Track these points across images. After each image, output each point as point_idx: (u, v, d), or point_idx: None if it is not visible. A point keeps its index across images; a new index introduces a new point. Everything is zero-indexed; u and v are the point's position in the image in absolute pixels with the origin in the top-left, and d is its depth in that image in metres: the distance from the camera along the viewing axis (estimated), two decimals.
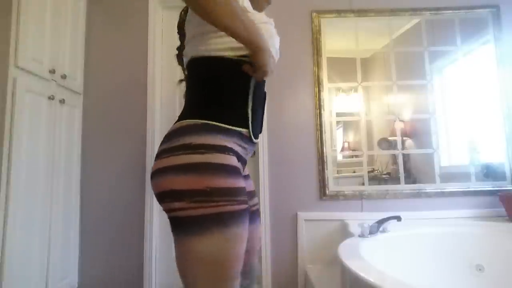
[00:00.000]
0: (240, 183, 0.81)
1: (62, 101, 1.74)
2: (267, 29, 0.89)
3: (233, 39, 0.79)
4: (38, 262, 1.57)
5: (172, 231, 0.78)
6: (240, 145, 0.86)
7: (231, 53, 0.84)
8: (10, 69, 1.42)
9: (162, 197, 0.78)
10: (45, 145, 1.63)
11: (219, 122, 0.82)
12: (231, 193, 0.77)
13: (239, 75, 0.85)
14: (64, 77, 1.75)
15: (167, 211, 0.78)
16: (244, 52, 0.83)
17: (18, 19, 1.45)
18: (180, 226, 0.76)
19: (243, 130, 0.85)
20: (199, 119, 0.82)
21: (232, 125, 0.83)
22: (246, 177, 1.00)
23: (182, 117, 0.85)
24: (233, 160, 0.82)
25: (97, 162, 1.98)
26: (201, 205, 0.74)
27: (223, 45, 0.84)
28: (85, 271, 1.90)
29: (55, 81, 1.70)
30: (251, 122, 0.86)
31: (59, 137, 1.74)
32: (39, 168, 1.58)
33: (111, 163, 1.98)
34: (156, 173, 0.79)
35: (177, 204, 0.76)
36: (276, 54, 0.93)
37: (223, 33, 0.80)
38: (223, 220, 0.75)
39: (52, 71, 1.66)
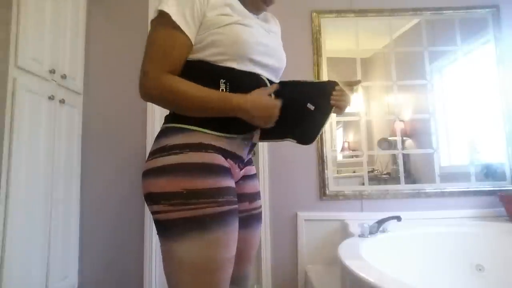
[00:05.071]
0: (224, 182, 0.76)
1: (62, 101, 1.74)
2: (251, 32, 0.81)
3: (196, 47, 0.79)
4: (38, 262, 1.56)
5: (157, 234, 0.77)
6: (222, 143, 0.80)
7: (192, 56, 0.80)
8: (10, 69, 1.42)
9: (145, 199, 0.79)
10: (45, 145, 1.62)
11: (183, 124, 0.78)
12: (212, 194, 0.73)
13: (200, 76, 0.79)
14: (64, 77, 1.75)
15: (151, 213, 0.78)
16: (197, 55, 0.80)
17: (18, 19, 1.45)
18: (161, 229, 0.75)
19: (214, 133, 0.78)
20: (167, 123, 0.82)
21: (197, 127, 0.78)
22: (252, 177, 0.96)
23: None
24: (214, 158, 0.77)
25: (97, 162, 1.98)
26: (179, 208, 0.71)
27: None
28: (85, 271, 1.90)
29: (55, 81, 1.70)
30: (224, 123, 0.79)
31: (59, 137, 1.73)
32: (39, 168, 1.58)
33: (111, 163, 1.98)
34: (142, 177, 0.80)
35: (155, 207, 0.75)
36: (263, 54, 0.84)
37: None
38: (203, 224, 0.71)
39: (52, 71, 1.66)
